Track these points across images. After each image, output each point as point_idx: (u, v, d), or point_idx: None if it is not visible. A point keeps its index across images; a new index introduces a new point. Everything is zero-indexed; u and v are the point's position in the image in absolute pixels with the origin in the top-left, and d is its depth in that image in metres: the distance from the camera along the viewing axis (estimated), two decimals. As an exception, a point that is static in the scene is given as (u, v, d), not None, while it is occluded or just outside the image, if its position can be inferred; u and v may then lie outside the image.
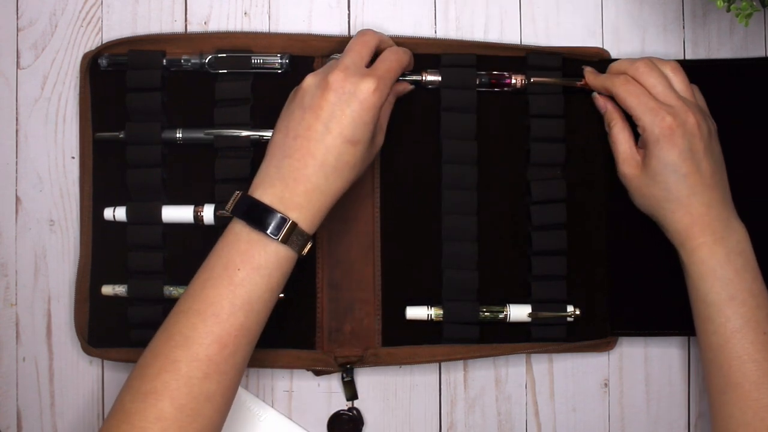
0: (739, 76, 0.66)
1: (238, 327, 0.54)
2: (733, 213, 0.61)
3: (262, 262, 0.55)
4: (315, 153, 0.56)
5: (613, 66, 0.63)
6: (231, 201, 0.57)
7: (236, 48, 0.65)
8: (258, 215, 0.55)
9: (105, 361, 0.66)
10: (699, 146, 0.59)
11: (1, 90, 0.67)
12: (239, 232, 0.56)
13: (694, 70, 0.64)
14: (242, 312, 0.55)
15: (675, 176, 0.59)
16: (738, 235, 0.60)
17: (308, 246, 0.57)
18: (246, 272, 0.55)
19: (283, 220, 0.55)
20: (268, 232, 0.55)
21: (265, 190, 0.56)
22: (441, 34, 0.66)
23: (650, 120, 0.59)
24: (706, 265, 0.59)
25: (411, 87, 0.64)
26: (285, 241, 0.55)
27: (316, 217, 0.57)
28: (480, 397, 0.66)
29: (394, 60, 0.60)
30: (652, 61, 0.61)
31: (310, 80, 0.58)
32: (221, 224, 0.63)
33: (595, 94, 0.64)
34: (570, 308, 0.64)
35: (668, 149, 0.59)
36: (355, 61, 0.58)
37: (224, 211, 0.57)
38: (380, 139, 0.61)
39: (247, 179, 0.64)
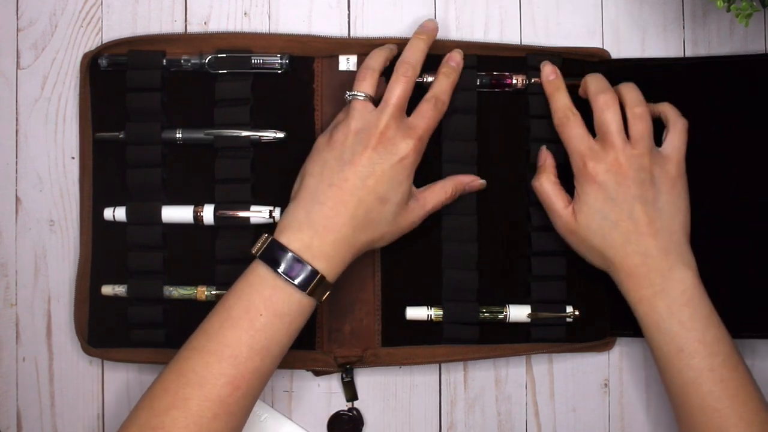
0: (740, 74, 0.66)
1: (252, 370, 0.54)
2: (678, 260, 0.58)
3: (285, 310, 0.55)
4: (348, 204, 0.56)
5: (589, 82, 0.62)
6: (259, 244, 0.57)
7: (236, 48, 0.65)
8: (287, 265, 0.55)
9: (105, 361, 0.66)
10: (627, 193, 0.57)
11: (1, 90, 0.67)
12: (264, 276, 0.56)
13: (693, 68, 0.64)
14: (259, 356, 0.55)
15: (606, 222, 0.58)
16: (683, 285, 0.57)
17: (327, 294, 0.57)
18: (268, 318, 0.55)
19: (313, 274, 0.55)
20: (297, 283, 0.55)
21: (293, 235, 0.56)
22: (441, 34, 0.66)
23: (577, 161, 0.59)
24: (650, 319, 0.58)
25: (482, 183, 0.64)
26: (311, 293, 0.56)
27: (340, 269, 0.57)
28: (480, 397, 0.66)
29: (433, 116, 0.60)
30: (614, 98, 0.60)
31: (351, 136, 0.58)
32: (221, 224, 0.64)
33: (543, 147, 0.63)
34: (569, 309, 0.64)
35: (594, 194, 0.58)
36: (395, 114, 0.58)
37: (251, 253, 0.57)
38: (418, 215, 0.60)
39: (247, 179, 0.64)
